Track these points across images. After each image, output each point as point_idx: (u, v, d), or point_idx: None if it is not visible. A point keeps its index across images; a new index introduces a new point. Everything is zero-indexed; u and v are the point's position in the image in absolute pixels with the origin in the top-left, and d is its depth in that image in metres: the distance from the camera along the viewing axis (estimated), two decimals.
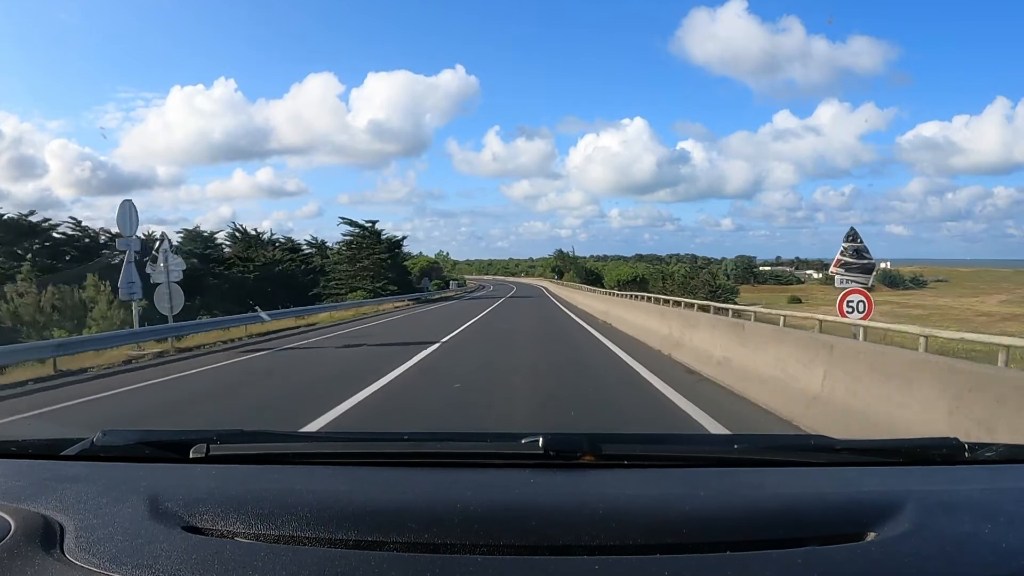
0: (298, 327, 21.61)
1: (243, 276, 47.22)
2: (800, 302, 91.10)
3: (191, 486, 1.18)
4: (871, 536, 0.96)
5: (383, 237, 52.27)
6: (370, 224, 52.78)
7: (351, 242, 52.21)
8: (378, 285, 47.92)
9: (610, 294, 34.81)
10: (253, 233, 57.27)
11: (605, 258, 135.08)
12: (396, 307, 38.26)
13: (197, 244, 47.65)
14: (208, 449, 1.32)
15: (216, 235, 50.46)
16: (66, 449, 1.38)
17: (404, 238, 55.24)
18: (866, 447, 1.44)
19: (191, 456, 1.32)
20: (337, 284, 49.33)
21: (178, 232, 48.98)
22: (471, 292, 70.77)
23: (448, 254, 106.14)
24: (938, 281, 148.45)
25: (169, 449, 1.35)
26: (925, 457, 1.34)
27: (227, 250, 50.11)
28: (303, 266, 51.94)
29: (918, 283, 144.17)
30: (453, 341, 15.04)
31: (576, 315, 24.06)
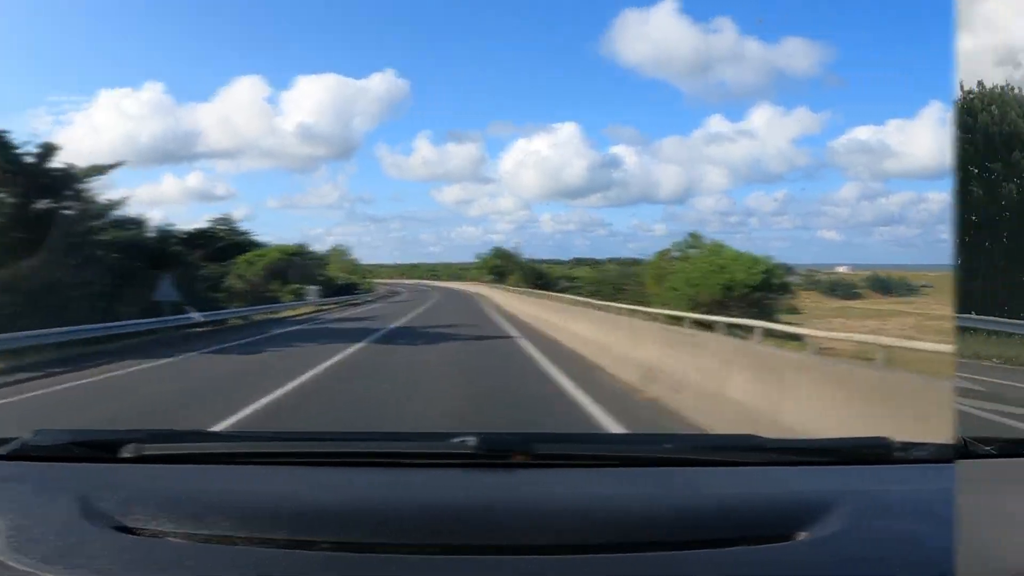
0: None
1: None
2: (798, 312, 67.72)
3: (123, 486, 1.18)
4: (802, 536, 0.96)
5: (13, 150, 19.82)
6: None
7: None
8: None
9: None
10: None
11: (541, 262, 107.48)
12: None
13: None
14: (139, 449, 1.30)
15: None
16: None
17: (48, 150, 18.45)
18: (798, 447, 1.50)
19: (123, 456, 1.30)
20: None
21: None
22: (359, 304, 36.03)
23: (350, 250, 73.21)
24: (923, 287, 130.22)
25: (101, 449, 1.34)
26: (857, 457, 1.35)
27: None
28: None
29: (909, 288, 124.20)
30: None
31: None
